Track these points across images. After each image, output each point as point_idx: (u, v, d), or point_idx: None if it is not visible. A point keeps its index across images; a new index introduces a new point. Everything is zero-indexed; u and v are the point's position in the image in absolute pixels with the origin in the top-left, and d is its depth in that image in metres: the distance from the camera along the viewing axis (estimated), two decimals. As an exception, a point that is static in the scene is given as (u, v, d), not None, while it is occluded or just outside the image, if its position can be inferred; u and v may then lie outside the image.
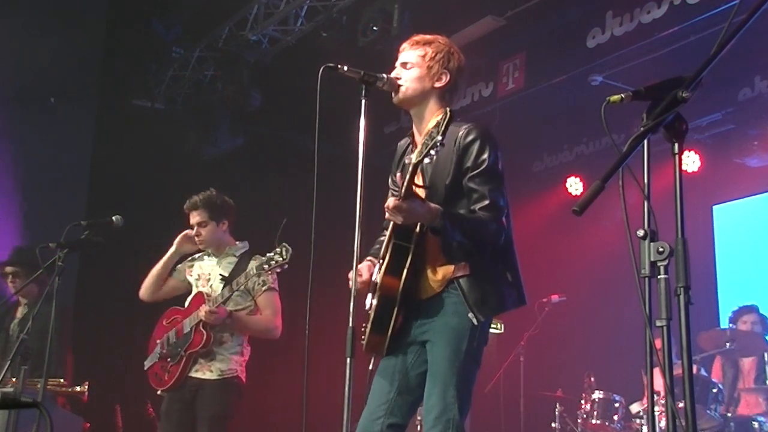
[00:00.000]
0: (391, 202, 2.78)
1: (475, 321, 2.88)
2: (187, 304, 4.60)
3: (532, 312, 6.89)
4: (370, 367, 3.02)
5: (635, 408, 6.07)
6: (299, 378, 2.90)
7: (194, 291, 4.59)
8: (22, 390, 4.03)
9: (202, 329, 4.32)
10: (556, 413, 6.32)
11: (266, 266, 4.10)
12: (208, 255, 4.64)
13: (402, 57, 3.15)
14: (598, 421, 6.00)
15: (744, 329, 6.08)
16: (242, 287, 4.30)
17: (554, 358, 7.34)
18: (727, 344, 5.87)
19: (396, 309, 2.92)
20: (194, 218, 4.55)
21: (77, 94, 7.39)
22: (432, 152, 2.64)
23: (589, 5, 6.38)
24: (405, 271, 2.89)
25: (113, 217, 4.39)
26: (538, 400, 6.63)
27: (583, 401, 6.16)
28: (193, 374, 4.40)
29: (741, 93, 6.74)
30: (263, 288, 4.44)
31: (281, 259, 4.05)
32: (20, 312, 5.51)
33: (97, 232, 4.34)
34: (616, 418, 6.00)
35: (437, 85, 3.10)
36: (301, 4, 6.88)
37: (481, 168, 2.93)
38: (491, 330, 3.03)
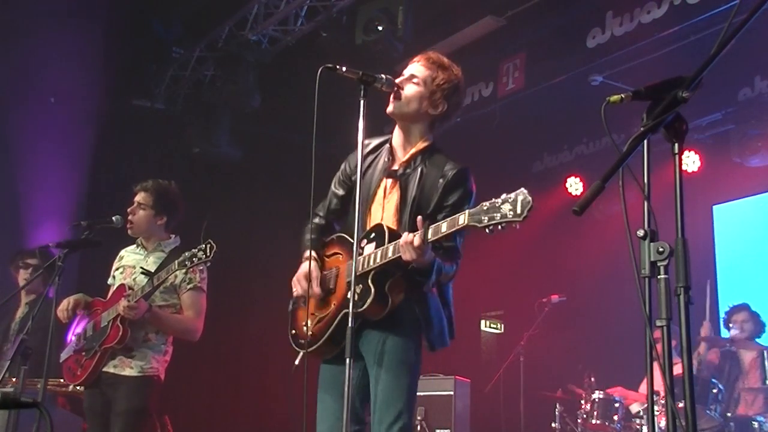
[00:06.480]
0: (417, 240, 2.75)
1: (429, 349, 2.99)
2: (109, 295, 4.43)
3: (532, 312, 6.89)
4: (296, 363, 3.02)
5: (635, 408, 6.08)
6: (296, 379, 2.90)
7: (117, 283, 4.43)
8: (22, 390, 4.02)
9: (119, 324, 4.12)
10: (556, 413, 6.32)
11: (188, 262, 3.89)
12: (137, 247, 4.51)
13: (412, 69, 3.12)
14: (598, 421, 6.00)
15: (735, 336, 6.11)
16: (164, 282, 4.13)
17: (554, 358, 7.34)
18: (727, 344, 5.88)
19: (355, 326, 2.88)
20: (137, 197, 4.45)
21: (77, 94, 7.39)
22: None
23: (589, 5, 6.39)
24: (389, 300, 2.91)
25: (113, 217, 4.38)
26: (538, 400, 6.63)
27: (583, 401, 6.16)
28: (111, 369, 4.19)
29: (741, 93, 6.74)
30: (188, 286, 4.29)
31: (204, 256, 3.84)
32: (20, 312, 5.51)
33: (97, 232, 4.33)
34: (616, 418, 6.00)
35: (431, 111, 3.09)
36: (301, 4, 6.89)
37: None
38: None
